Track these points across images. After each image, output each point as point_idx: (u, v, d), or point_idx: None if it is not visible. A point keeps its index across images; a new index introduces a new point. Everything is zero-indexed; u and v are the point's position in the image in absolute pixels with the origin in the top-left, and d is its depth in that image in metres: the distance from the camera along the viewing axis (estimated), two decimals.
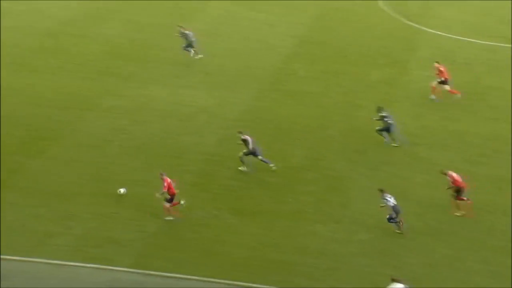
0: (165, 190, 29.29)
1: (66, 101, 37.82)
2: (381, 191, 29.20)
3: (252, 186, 32.11)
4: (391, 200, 28.85)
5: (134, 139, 35.19)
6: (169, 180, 29.42)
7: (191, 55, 42.17)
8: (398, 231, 29.18)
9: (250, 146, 32.15)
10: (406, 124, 36.75)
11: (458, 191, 30.30)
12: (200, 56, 42.36)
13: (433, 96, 39.09)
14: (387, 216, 28.95)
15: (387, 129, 34.72)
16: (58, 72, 40.61)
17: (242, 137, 32.36)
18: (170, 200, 29.54)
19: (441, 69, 38.90)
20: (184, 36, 41.88)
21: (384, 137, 34.89)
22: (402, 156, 34.48)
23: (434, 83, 38.98)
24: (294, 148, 35.19)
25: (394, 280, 24.74)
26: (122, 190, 30.28)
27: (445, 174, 30.53)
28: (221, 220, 30.17)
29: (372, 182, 31.94)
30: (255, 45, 45.65)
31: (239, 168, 32.59)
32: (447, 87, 38.80)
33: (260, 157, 32.42)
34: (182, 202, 29.72)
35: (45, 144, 34.24)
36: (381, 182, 31.44)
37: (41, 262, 27.31)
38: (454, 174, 30.51)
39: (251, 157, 32.45)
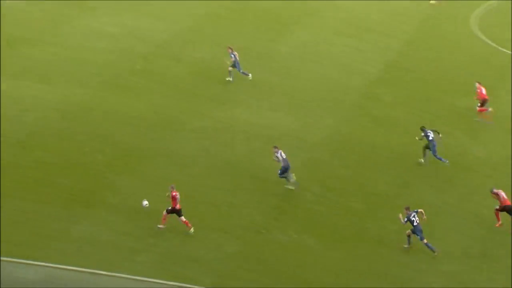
0: (173, 202, 30.17)
1: (156, 121, 38.66)
2: (407, 209, 29.52)
3: (335, 211, 32.07)
4: (415, 219, 29.26)
5: (218, 160, 35.68)
6: (174, 193, 30.21)
7: (230, 77, 42.45)
8: (405, 246, 29.58)
9: (282, 163, 32.68)
10: (494, 152, 36.15)
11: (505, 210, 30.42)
12: (230, 79, 42.30)
13: (478, 119, 39.82)
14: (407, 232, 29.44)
15: (428, 147, 35.13)
16: (149, 92, 41.57)
17: (276, 154, 32.82)
18: (170, 211, 30.21)
19: (478, 90, 39.65)
20: (232, 56, 42.57)
21: (424, 155, 35.36)
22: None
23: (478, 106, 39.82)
24: (379, 174, 35.03)
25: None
26: (145, 203, 30.67)
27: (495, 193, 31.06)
28: (303, 244, 30.22)
29: (459, 212, 31.49)
30: (342, 69, 45.74)
31: (287, 187, 33.17)
32: (484, 107, 39.63)
33: (286, 174, 32.79)
34: (191, 231, 30.19)
35: (134, 162, 35.10)
36: (468, 211, 30.98)
37: (126, 278, 27.99)
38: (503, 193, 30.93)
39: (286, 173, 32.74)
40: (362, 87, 43.64)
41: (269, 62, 45.93)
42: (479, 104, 39.93)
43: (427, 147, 35.36)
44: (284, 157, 32.97)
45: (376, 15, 53.25)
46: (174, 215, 30.62)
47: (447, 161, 35.52)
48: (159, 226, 30.63)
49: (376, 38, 50.21)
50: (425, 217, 29.58)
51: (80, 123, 37.98)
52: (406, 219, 29.43)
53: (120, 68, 44.03)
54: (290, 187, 33.20)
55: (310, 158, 35.93)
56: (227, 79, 42.63)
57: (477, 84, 39.95)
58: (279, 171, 33.16)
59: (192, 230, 30.43)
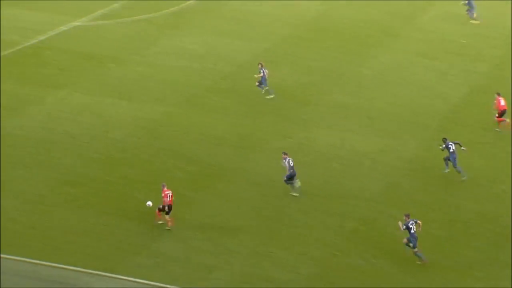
0: (164, 199, 31.52)
1: (236, 141, 39.15)
2: (407, 216, 30.25)
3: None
4: (413, 227, 29.91)
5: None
6: (167, 192, 31.62)
7: (263, 92, 42.99)
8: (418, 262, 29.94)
9: (289, 170, 33.69)
10: None
11: None
12: (272, 96, 43.01)
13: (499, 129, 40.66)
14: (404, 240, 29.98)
15: (449, 158, 35.81)
16: (230, 112, 42.07)
17: (284, 160, 33.97)
18: (161, 209, 31.69)
19: (496, 101, 40.61)
20: (261, 72, 42.84)
21: (446, 166, 35.87)
22: None
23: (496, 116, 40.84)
24: (462, 200, 34.60)
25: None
26: (148, 203, 31.94)
27: None
28: (380, 268, 30.05)
29: None
30: (424, 92, 45.45)
31: (292, 194, 34.03)
32: (502, 118, 40.69)
33: (292, 181, 33.82)
34: (168, 227, 31.52)
35: (213, 181, 35.57)
36: None
37: None
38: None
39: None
40: (446, 111, 43.24)
41: (350, 83, 46.06)
42: (496, 115, 40.72)
43: (448, 158, 35.95)
44: (292, 165, 34.02)
45: (462, 38, 52.75)
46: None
47: (465, 176, 35.73)
48: (158, 222, 31.86)
49: (461, 61, 49.67)
50: (420, 228, 30.20)
51: (162, 141, 38.70)
52: (404, 226, 30.08)
53: (202, 87, 44.72)
54: (295, 194, 34.11)
55: (389, 181, 35.80)
56: (268, 97, 43.11)
57: (496, 95, 40.86)
58: (285, 177, 34.21)
59: (169, 227, 31.71)
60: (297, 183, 34.19)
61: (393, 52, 50.96)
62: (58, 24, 52.36)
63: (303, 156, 37.92)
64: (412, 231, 30.05)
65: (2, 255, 29.89)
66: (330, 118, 41.82)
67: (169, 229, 31.84)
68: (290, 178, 34.14)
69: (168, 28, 52.85)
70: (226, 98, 43.57)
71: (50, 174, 35.49)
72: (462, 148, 36.14)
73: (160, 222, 32.07)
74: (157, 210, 32.05)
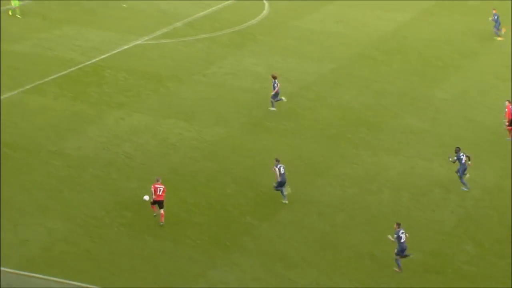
0: (154, 193, 32.72)
1: (299, 165, 37.93)
2: (398, 225, 30.37)
3: (491, 274, 30.04)
4: (403, 236, 30.09)
5: (364, 209, 34.45)
6: (157, 186, 32.69)
7: (272, 107, 43.11)
8: (396, 270, 30.05)
9: (280, 177, 34.19)
10: None
11: None
12: (274, 109, 43.04)
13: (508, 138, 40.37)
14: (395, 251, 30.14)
15: (458, 170, 35.84)
16: (289, 134, 41.04)
17: (276, 167, 34.34)
18: (153, 203, 32.89)
19: (507, 109, 40.24)
20: (274, 85, 42.78)
21: (460, 177, 35.92)
22: None
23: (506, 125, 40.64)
24: None
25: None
26: (145, 197, 33.22)
27: None
28: None
29: None
30: (501, 117, 43.63)
31: (282, 201, 34.42)
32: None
33: (282, 188, 34.35)
34: (161, 223, 32.74)
35: (276, 207, 34.43)
36: None
37: None
38: None
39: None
40: None
41: (423, 107, 44.48)
42: (506, 123, 40.36)
43: (457, 170, 35.95)
44: (282, 172, 34.36)
45: None
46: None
47: (468, 189, 35.76)
48: (154, 214, 33.08)
49: None
50: (407, 235, 30.56)
51: (223, 164, 37.85)
52: (395, 235, 30.22)
53: (264, 108, 43.84)
54: (285, 201, 34.46)
55: (465, 213, 34.05)
56: (271, 108, 43.13)
57: (506, 103, 40.46)
58: (275, 184, 34.63)
59: (162, 223, 32.74)
60: (287, 190, 34.50)
61: (470, 74, 49.20)
62: (119, 42, 52.55)
63: (370, 183, 36.49)
64: (402, 241, 30.18)
65: (54, 279, 29.31)
66: (400, 144, 40.30)
67: (162, 225, 32.70)
68: (280, 185, 34.42)
69: (231, 48, 52.43)
70: (288, 121, 42.58)
71: (106, 196, 34.89)
72: (469, 162, 35.86)
73: (155, 215, 32.95)
74: (150, 205, 33.15)
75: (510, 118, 40.00)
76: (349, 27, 56.73)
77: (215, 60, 50.07)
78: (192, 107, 43.70)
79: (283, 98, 43.25)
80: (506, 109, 40.27)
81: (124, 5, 59.95)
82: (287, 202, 34.40)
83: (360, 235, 32.67)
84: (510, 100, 40.63)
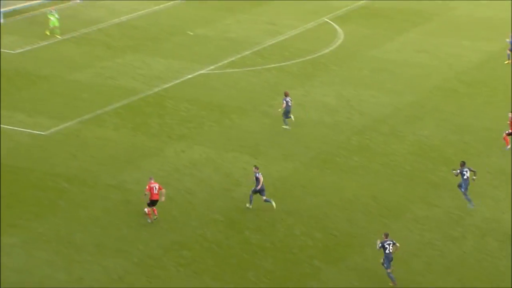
0: (146, 192, 34.17)
1: (372, 206, 36.48)
2: (385, 235, 31.00)
3: None
4: (389, 247, 30.77)
5: (444, 257, 32.61)
6: (152, 185, 34.01)
7: (286, 125, 43.71)
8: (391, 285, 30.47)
9: (258, 185, 35.44)
10: None
11: None
12: (287, 127, 43.63)
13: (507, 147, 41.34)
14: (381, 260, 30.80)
15: (461, 184, 36.18)
16: (361, 171, 39.70)
17: (256, 174, 35.55)
18: (149, 204, 34.15)
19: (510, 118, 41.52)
20: (284, 102, 43.33)
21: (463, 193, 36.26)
22: None
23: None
24: None
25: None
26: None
27: None
28: None
29: None
30: None
31: (247, 205, 35.81)
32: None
33: (264, 197, 35.65)
34: (155, 217, 34.46)
35: (348, 251, 33.02)
36: None
37: None
38: None
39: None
40: None
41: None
42: (507, 132, 41.61)
43: (460, 184, 36.27)
44: (261, 180, 35.60)
45: None
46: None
47: (473, 205, 35.98)
48: (148, 220, 34.38)
49: None
50: (398, 248, 31.06)
51: (290, 202, 36.68)
52: (380, 245, 30.84)
53: (334, 142, 42.57)
54: (249, 206, 35.91)
55: None
56: (284, 126, 43.76)
57: (509, 114, 41.76)
58: (252, 190, 35.83)
59: (155, 218, 34.45)
60: (273, 203, 35.93)
61: None
62: (183, 71, 52.24)
63: (452, 229, 34.61)
64: (387, 251, 30.71)
65: None
66: (486, 186, 38.25)
67: (155, 219, 34.48)
68: (257, 192, 35.71)
69: (301, 78, 51.54)
70: (360, 156, 41.13)
71: (165, 233, 34.03)
72: (473, 177, 36.20)
73: (148, 221, 34.42)
74: (147, 208, 34.36)
75: None
76: (431, 57, 55.14)
77: (282, 91, 48.90)
78: (258, 140, 42.77)
79: (291, 116, 43.26)
80: (510, 119, 41.61)
81: (191, 33, 59.75)
82: (250, 206, 35.76)
83: (438, 284, 30.80)
84: None
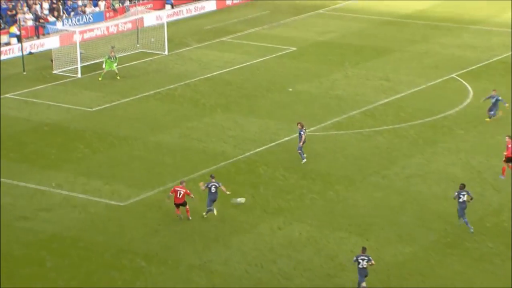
0: (170, 194, 40.93)
1: None
2: (363, 250, 35.00)
3: None
4: (363, 263, 34.65)
5: None
6: (177, 188, 40.51)
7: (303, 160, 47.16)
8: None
9: (211, 195, 40.97)
10: None
11: None
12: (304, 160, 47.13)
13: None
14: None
15: (458, 209, 39.82)
16: (495, 260, 37.87)
17: (207, 185, 41.05)
18: (176, 205, 40.87)
19: (509, 145, 44.79)
20: (301, 133, 47.14)
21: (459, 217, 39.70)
22: None
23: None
24: None
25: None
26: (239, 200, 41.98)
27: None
28: None
29: None
30: None
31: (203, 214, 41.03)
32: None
33: (211, 207, 41.12)
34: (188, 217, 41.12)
35: None
36: None
37: None
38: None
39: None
40: None
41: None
42: (504, 159, 44.87)
43: (457, 209, 39.74)
44: (214, 191, 40.91)
45: None
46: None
47: (472, 230, 39.53)
48: (180, 216, 41.00)
49: None
50: (372, 263, 34.63)
51: None
52: (355, 258, 34.83)
53: (463, 225, 40.74)
54: (205, 215, 41.18)
55: None
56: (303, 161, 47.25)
57: (507, 138, 45.09)
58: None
59: (184, 217, 41.05)
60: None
61: None
62: (281, 133, 51.94)
63: None
64: (360, 266, 34.55)
65: None
66: None
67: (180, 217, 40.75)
68: (212, 202, 41.11)
69: (420, 143, 50.27)
70: (496, 243, 39.18)
71: None
72: (469, 200, 39.48)
73: (180, 216, 40.76)
74: (175, 208, 40.79)
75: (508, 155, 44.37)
76: None
77: (398, 158, 48.02)
78: (368, 218, 41.53)
79: (304, 157, 47.50)
80: (507, 145, 44.70)
81: (290, 89, 59.44)
82: (205, 215, 41.03)
83: None
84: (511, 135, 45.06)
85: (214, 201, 40.91)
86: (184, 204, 40.38)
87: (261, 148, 49.63)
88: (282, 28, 78.31)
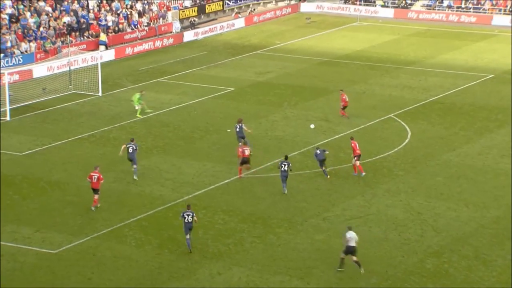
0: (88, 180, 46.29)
1: None
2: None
3: None
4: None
5: None
6: (93, 174, 45.89)
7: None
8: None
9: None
10: None
11: None
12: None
13: None
14: None
15: None
16: None
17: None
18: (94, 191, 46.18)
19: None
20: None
21: None
22: None
23: None
24: None
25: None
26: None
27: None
28: None
29: None
30: None
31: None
32: None
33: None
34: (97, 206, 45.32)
35: None
36: None
37: None
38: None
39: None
40: None
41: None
42: None
43: None
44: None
45: None
46: None
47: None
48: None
49: None
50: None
51: None
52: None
53: (402, 266, 40.75)
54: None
55: None
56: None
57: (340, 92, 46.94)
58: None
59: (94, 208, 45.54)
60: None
61: None
62: (219, 176, 51.50)
63: None
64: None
65: None
66: None
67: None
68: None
69: (360, 185, 50.35)
70: (437, 284, 39.12)
71: None
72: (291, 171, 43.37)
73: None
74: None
75: None
76: None
77: (338, 200, 48.09)
78: (309, 261, 41.31)
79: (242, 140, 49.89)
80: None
81: (228, 130, 59.36)
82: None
83: None
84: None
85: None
86: (97, 191, 45.87)
87: (199, 192, 49.34)
88: (220, 68, 78.56)
